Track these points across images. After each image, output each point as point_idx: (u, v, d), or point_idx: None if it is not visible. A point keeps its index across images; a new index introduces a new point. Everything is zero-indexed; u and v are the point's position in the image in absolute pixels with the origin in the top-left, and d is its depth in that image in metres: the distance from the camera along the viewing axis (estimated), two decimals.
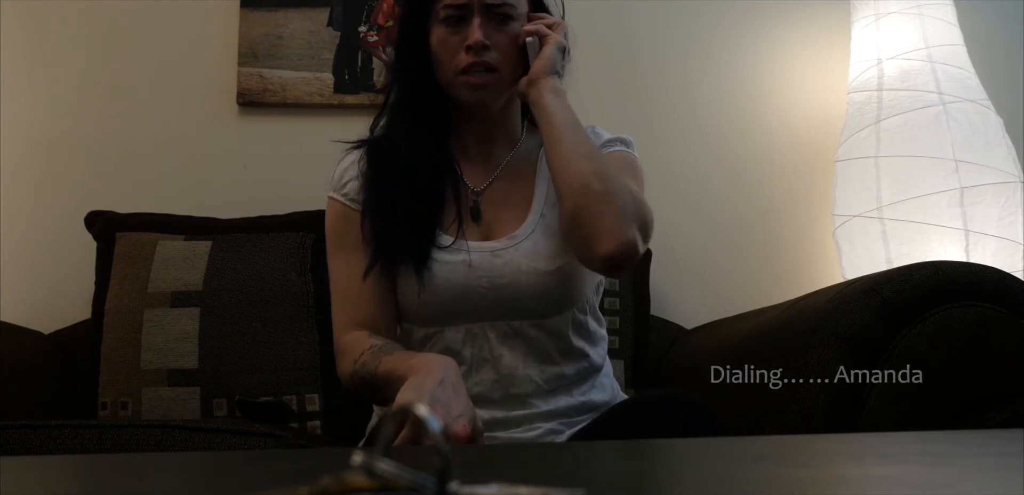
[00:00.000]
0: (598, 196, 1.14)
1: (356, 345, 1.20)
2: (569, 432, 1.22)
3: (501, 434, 1.20)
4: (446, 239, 1.23)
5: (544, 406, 1.22)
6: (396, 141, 1.28)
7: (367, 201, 1.26)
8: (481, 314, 1.21)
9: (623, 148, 1.31)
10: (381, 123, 1.32)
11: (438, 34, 1.25)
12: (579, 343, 1.26)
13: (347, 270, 1.26)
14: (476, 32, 1.21)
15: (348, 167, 1.30)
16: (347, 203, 1.28)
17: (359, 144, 1.32)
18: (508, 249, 1.22)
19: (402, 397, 1.05)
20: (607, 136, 1.33)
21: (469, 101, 1.26)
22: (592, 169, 1.16)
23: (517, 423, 1.21)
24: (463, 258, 1.21)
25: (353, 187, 1.28)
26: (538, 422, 1.22)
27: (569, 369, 1.25)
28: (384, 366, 1.15)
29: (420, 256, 1.20)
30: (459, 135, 1.31)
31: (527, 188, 1.29)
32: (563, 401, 1.24)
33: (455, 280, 1.20)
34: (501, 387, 1.21)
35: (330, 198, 1.30)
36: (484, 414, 1.17)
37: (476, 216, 1.27)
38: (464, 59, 1.22)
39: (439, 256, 1.21)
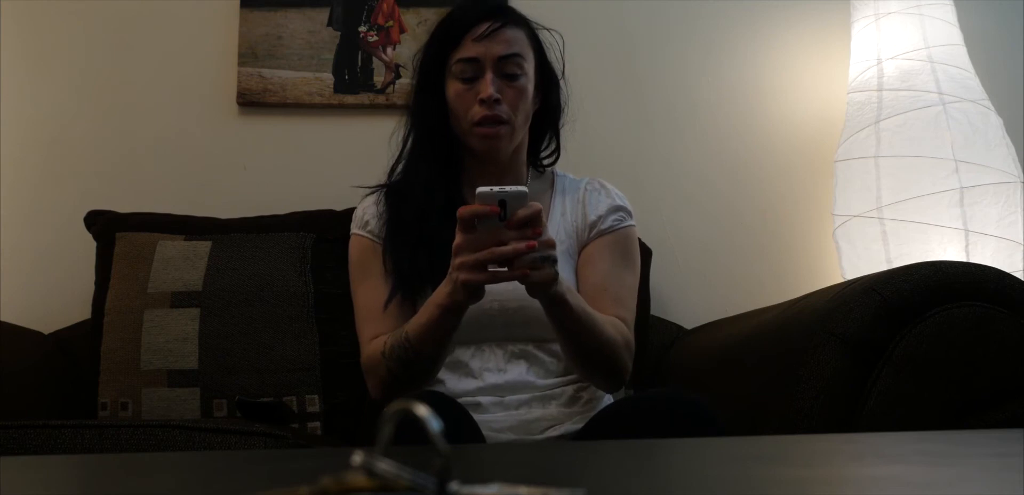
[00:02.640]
0: (605, 373, 1.29)
1: (378, 342, 1.30)
2: (567, 425, 1.29)
3: (500, 414, 1.28)
4: None
5: (541, 397, 1.31)
6: (413, 183, 1.38)
7: (389, 237, 1.36)
8: (491, 335, 1.31)
9: (624, 226, 1.40)
10: (398, 169, 1.42)
11: (454, 88, 1.35)
12: None
13: (371, 295, 1.35)
14: (489, 87, 1.31)
15: (368, 208, 1.42)
16: (371, 238, 1.38)
17: (377, 189, 1.43)
18: None
19: (436, 298, 1.19)
20: (610, 199, 1.42)
21: (482, 150, 1.35)
22: (602, 354, 1.26)
23: (515, 405, 1.29)
24: None
25: (375, 225, 1.38)
26: (536, 405, 1.30)
27: (569, 380, 1.34)
28: (410, 325, 1.24)
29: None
30: (470, 178, 1.39)
31: None
32: (560, 394, 1.33)
33: None
34: (502, 391, 1.30)
35: (354, 235, 1.42)
36: (483, 398, 1.29)
37: None
38: (478, 112, 1.32)
39: None
